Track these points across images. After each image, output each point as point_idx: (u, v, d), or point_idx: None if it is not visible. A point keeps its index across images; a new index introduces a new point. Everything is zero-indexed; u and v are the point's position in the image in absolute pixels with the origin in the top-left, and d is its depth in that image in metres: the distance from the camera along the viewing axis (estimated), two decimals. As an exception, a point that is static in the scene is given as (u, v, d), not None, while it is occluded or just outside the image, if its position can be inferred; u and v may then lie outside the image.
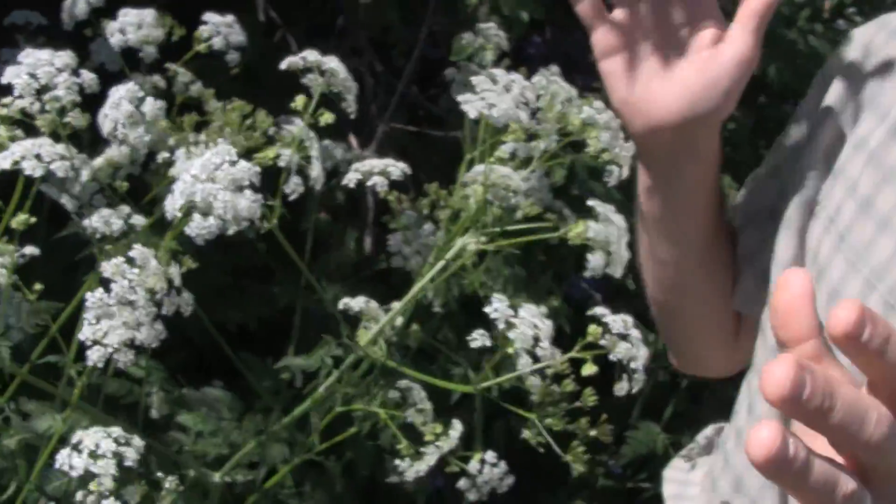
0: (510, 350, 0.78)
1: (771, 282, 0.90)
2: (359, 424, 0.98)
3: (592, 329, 0.81)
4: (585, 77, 2.35)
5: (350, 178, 0.86)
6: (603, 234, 0.86)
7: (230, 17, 0.93)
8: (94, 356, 0.73)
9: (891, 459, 0.49)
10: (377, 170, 0.85)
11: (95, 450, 0.76)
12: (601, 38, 0.83)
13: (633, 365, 0.82)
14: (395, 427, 0.94)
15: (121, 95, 0.80)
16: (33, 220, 0.75)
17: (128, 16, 0.87)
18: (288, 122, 0.87)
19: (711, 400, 2.03)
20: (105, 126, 0.80)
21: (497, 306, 0.79)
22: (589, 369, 0.81)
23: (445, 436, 0.93)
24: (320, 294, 1.13)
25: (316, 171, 0.80)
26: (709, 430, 1.12)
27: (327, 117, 0.82)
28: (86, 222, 0.79)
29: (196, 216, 0.72)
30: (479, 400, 1.44)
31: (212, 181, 0.72)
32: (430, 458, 0.92)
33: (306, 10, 1.98)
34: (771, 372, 0.44)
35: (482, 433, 1.62)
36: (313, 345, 1.17)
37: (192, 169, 0.72)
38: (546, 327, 0.80)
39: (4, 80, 0.76)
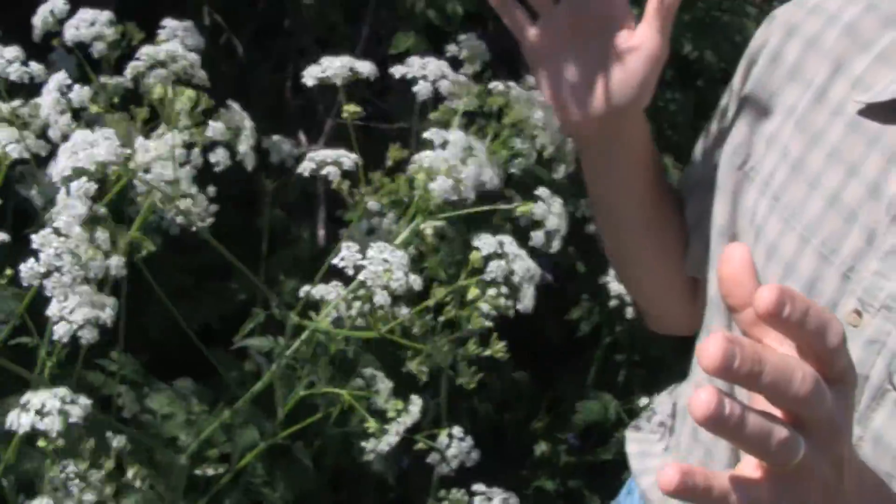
0: (364, 292, 0.82)
1: (710, 243, 0.97)
2: (324, 409, 1.02)
3: (474, 256, 0.86)
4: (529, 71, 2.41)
5: (304, 167, 0.91)
6: (545, 213, 0.91)
7: (188, 22, 0.97)
8: (60, 331, 0.77)
9: (819, 410, 0.56)
10: (330, 160, 0.90)
11: (41, 408, 0.80)
12: (528, 47, 0.91)
13: (515, 280, 0.86)
14: (362, 409, 0.98)
15: (58, 80, 0.85)
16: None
17: (86, 14, 0.91)
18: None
19: (665, 372, 2.10)
20: (42, 112, 0.84)
21: (344, 254, 0.84)
22: (472, 293, 0.86)
23: (406, 412, 0.98)
24: (279, 286, 1.17)
25: (244, 146, 0.85)
26: (664, 394, 1.18)
27: (189, 93, 0.86)
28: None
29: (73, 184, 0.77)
30: (444, 382, 1.49)
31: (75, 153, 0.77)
32: (397, 431, 0.96)
33: (252, 14, 2.01)
34: (706, 347, 0.52)
35: (448, 414, 1.67)
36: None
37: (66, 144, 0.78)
38: (397, 258, 0.83)
39: None
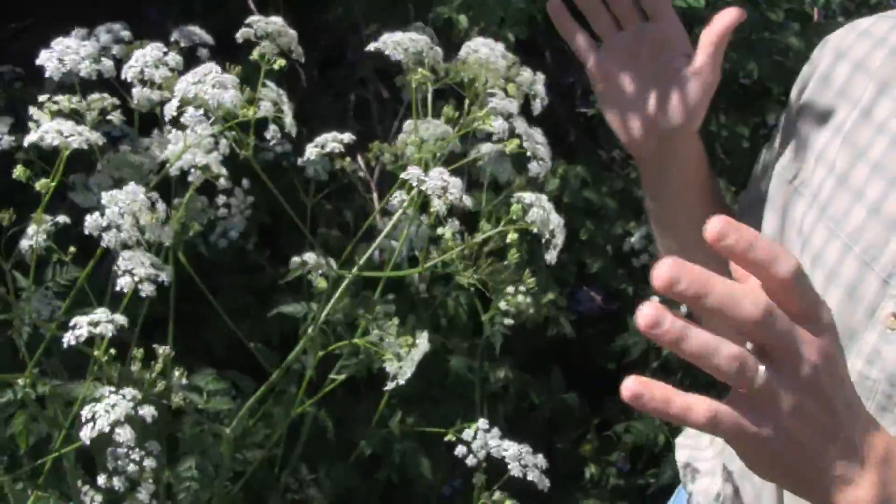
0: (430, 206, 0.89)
1: None
2: (346, 359, 1.09)
3: (514, 208, 0.94)
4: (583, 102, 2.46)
5: (311, 152, 0.99)
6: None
7: (195, 27, 1.07)
8: (123, 282, 0.86)
9: (771, 336, 0.62)
10: (331, 139, 0.98)
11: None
12: (592, 69, 0.98)
13: (550, 227, 0.94)
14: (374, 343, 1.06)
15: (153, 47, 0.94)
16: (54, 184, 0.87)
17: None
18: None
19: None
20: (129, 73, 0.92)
21: (410, 171, 0.91)
22: (511, 237, 0.95)
23: (415, 345, 1.04)
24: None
25: (288, 119, 0.93)
26: None
27: (280, 62, 0.94)
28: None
29: (189, 109, 0.85)
30: (478, 389, 1.54)
31: (201, 83, 0.85)
32: (411, 362, 1.03)
33: (317, 46, 2.10)
34: (657, 268, 0.60)
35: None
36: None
37: (185, 77, 0.86)
38: (454, 180, 0.91)
39: (38, 62, 0.90)
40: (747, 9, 2.29)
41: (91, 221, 0.84)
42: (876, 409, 0.86)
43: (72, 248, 0.92)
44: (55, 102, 0.90)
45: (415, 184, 0.90)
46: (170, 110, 0.86)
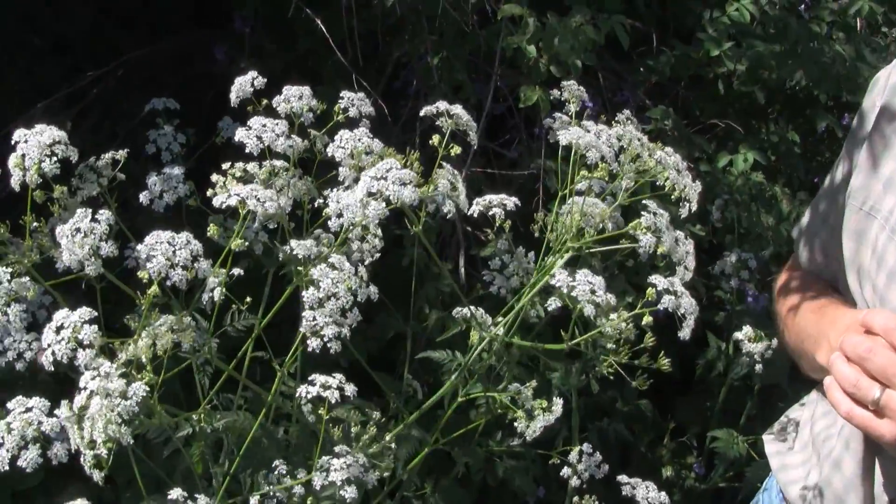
0: (578, 307, 0.96)
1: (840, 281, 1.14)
2: (480, 416, 1.17)
3: (649, 291, 1.02)
4: (639, 118, 2.53)
5: (474, 209, 1.07)
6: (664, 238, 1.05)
7: (361, 94, 1.15)
8: (314, 344, 0.94)
9: None
10: (496, 202, 1.06)
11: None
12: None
13: (680, 311, 1.01)
14: (514, 408, 1.13)
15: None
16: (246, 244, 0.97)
17: (291, 90, 1.10)
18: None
19: (783, 399, 2.17)
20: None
21: (559, 277, 0.99)
22: (646, 319, 1.03)
23: (549, 411, 1.12)
24: (426, 317, 1.33)
25: (462, 195, 1.01)
26: (796, 405, 1.34)
27: (456, 150, 1.02)
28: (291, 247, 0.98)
29: (372, 202, 0.95)
30: (575, 401, 1.61)
31: (383, 179, 0.94)
32: (541, 423, 1.10)
33: (383, 74, 2.19)
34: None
35: (580, 435, 1.79)
36: (424, 364, 1.35)
37: (369, 173, 0.95)
38: (598, 280, 0.98)
39: (237, 139, 1.02)
40: (792, 21, 2.37)
41: (310, 296, 0.95)
42: None
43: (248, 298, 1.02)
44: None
45: (565, 290, 0.98)
46: (354, 201, 0.95)
